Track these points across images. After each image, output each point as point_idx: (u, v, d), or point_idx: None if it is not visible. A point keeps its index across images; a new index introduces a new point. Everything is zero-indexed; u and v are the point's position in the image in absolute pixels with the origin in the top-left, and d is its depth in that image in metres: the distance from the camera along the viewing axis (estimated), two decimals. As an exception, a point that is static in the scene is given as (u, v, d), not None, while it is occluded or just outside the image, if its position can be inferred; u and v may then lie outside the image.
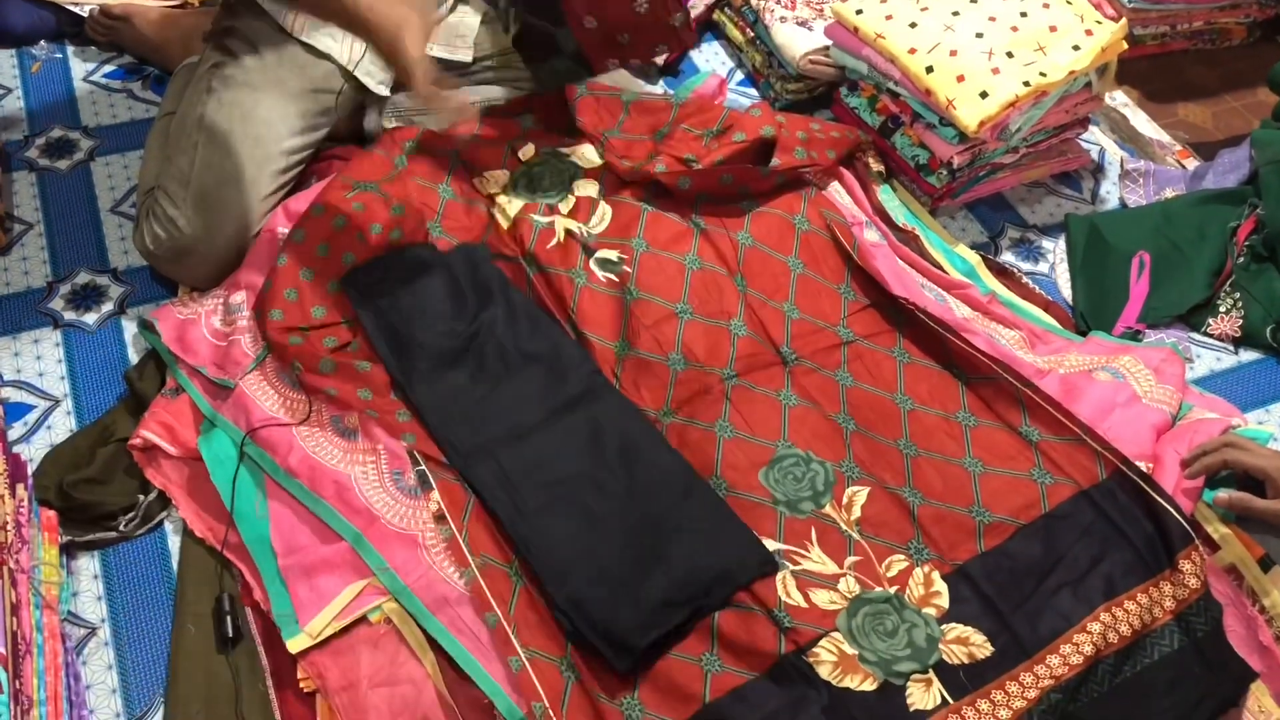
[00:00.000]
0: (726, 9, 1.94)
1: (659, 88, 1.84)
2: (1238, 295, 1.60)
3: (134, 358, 1.41)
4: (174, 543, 1.25)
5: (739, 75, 1.92)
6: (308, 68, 1.51)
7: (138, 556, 1.24)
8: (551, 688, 1.11)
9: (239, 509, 1.23)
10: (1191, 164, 1.82)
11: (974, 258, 1.63)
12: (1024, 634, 1.15)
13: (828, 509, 1.25)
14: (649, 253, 1.43)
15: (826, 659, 1.12)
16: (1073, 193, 1.78)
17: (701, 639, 1.14)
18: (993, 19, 1.62)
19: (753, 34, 1.88)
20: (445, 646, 1.14)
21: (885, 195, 1.67)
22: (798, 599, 1.16)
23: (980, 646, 1.14)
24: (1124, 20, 1.64)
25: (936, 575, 1.20)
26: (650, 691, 1.11)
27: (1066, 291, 1.63)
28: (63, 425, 1.35)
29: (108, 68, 1.79)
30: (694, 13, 1.91)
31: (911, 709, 1.10)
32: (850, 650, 1.13)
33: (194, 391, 1.32)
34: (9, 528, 1.03)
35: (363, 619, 1.17)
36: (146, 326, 1.40)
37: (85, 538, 1.24)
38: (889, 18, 1.65)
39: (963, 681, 1.12)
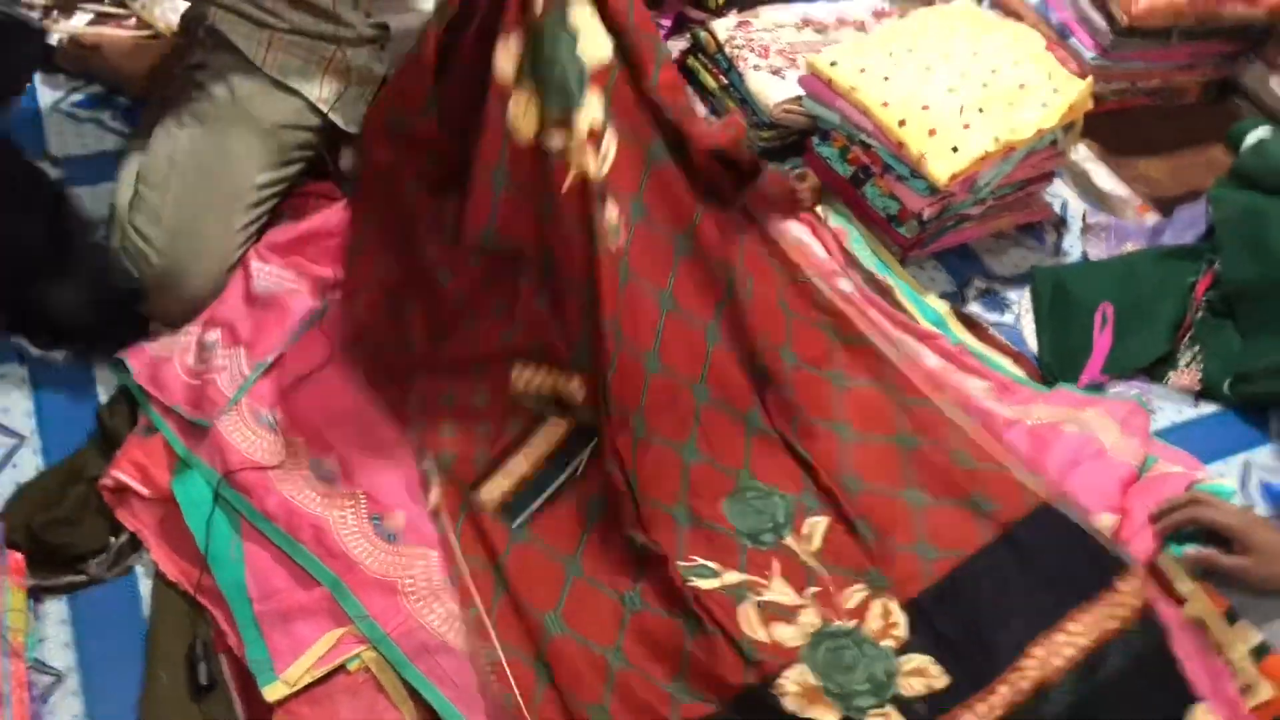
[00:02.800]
0: (700, 55, 1.96)
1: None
2: (1197, 349, 1.64)
3: (104, 395, 1.39)
4: (145, 587, 1.23)
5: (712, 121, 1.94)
6: (279, 104, 1.51)
7: (108, 601, 1.22)
8: (525, 686, 1.13)
9: (213, 552, 1.21)
10: (1151, 218, 1.87)
11: (943, 307, 1.66)
12: (977, 663, 1.17)
13: (788, 540, 1.26)
14: (645, 223, 1.31)
15: (791, 690, 1.14)
16: (1036, 244, 1.82)
17: (672, 665, 1.15)
18: (964, 74, 1.66)
19: (726, 81, 1.90)
20: (425, 695, 1.13)
21: (856, 245, 1.69)
22: (761, 634, 1.17)
23: (937, 678, 1.17)
24: (1090, 79, 1.69)
25: (895, 606, 1.22)
26: (621, 707, 1.12)
27: (1032, 342, 1.66)
28: (30, 464, 1.32)
29: (76, 96, 1.77)
30: (668, 57, 1.93)
31: None
32: (814, 682, 1.15)
33: (168, 431, 1.31)
34: (-20, 574, 1.01)
35: (341, 667, 1.15)
36: (118, 363, 1.38)
37: (53, 582, 1.21)
38: (862, 71, 1.68)
39: (921, 714, 1.14)
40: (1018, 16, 2.05)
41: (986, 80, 1.65)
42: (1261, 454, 1.56)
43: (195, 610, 1.20)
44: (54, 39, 1.77)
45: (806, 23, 1.97)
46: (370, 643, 1.16)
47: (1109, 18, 1.93)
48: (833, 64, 1.70)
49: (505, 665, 1.14)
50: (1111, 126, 1.98)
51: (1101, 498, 1.34)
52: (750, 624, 1.18)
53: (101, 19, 1.81)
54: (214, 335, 1.38)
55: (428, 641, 1.16)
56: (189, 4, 1.56)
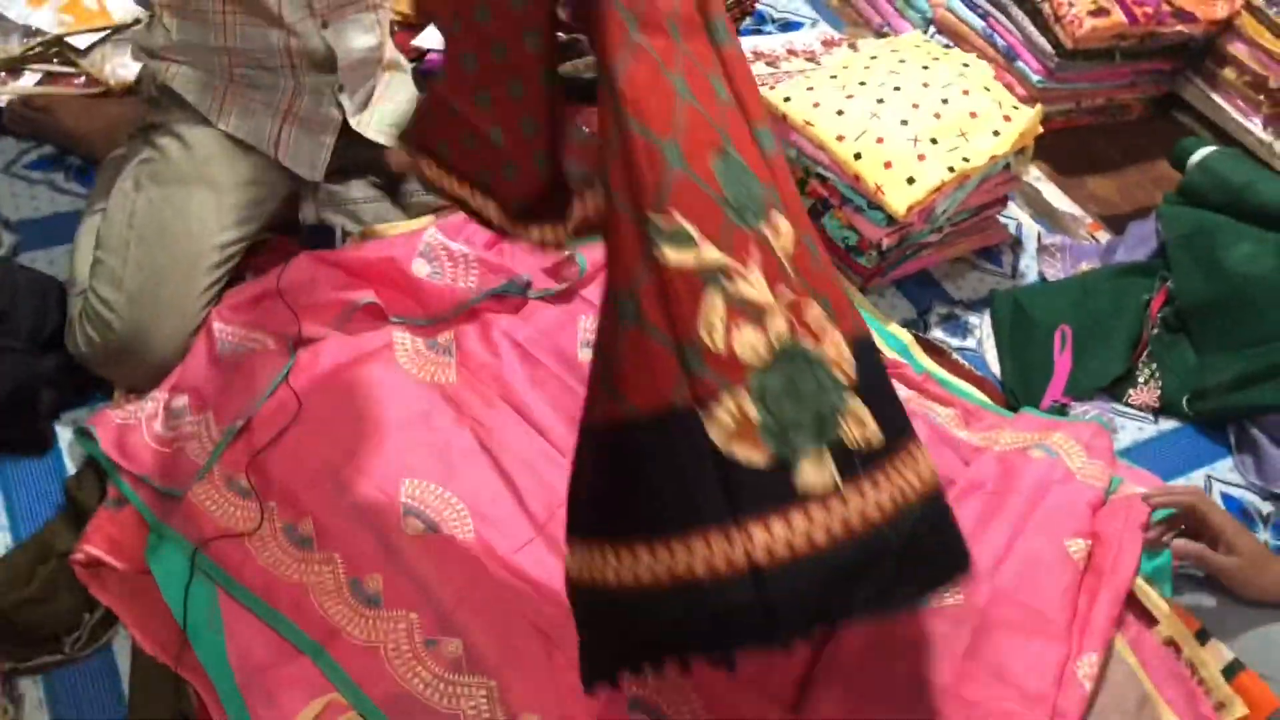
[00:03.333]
0: (654, 91, 1.98)
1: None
2: (1155, 366, 1.68)
3: (71, 466, 1.37)
4: (123, 662, 1.22)
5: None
6: (238, 160, 1.50)
7: (85, 679, 1.20)
8: None
9: (192, 624, 1.20)
10: (1103, 236, 1.91)
11: (906, 336, 1.68)
12: (899, 422, 1.03)
13: (764, 228, 0.99)
14: None
15: (723, 421, 0.92)
16: (994, 267, 1.85)
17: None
18: (916, 106, 1.68)
19: (682, 116, 1.91)
20: (413, 761, 1.12)
21: (819, 276, 1.71)
22: (719, 338, 0.93)
23: (873, 432, 0.98)
24: (1039, 106, 1.72)
25: (844, 341, 1.00)
26: None
27: (994, 366, 1.69)
28: (-3, 542, 1.30)
29: (29, 158, 1.74)
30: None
31: (799, 490, 0.92)
32: (754, 416, 0.93)
33: (138, 502, 1.29)
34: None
35: (326, 736, 1.15)
36: (84, 434, 1.36)
37: (27, 664, 1.20)
38: (816, 105, 1.70)
39: (854, 467, 0.96)
40: (963, 41, 2.09)
41: (938, 110, 1.68)
42: (1221, 467, 1.60)
43: (175, 683, 1.19)
44: (1, 101, 1.75)
45: (757, 56, 2.00)
46: (356, 710, 1.15)
47: (1053, 40, 1.97)
48: (786, 99, 1.71)
49: None
50: (1060, 146, 2.02)
51: (1072, 522, 1.36)
52: (710, 321, 0.93)
53: (50, 79, 1.79)
54: (181, 401, 1.36)
55: (413, 705, 1.15)
56: (142, 62, 1.55)
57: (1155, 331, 1.70)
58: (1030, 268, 1.86)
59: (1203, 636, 1.27)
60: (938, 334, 1.73)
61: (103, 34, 1.83)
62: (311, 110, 1.53)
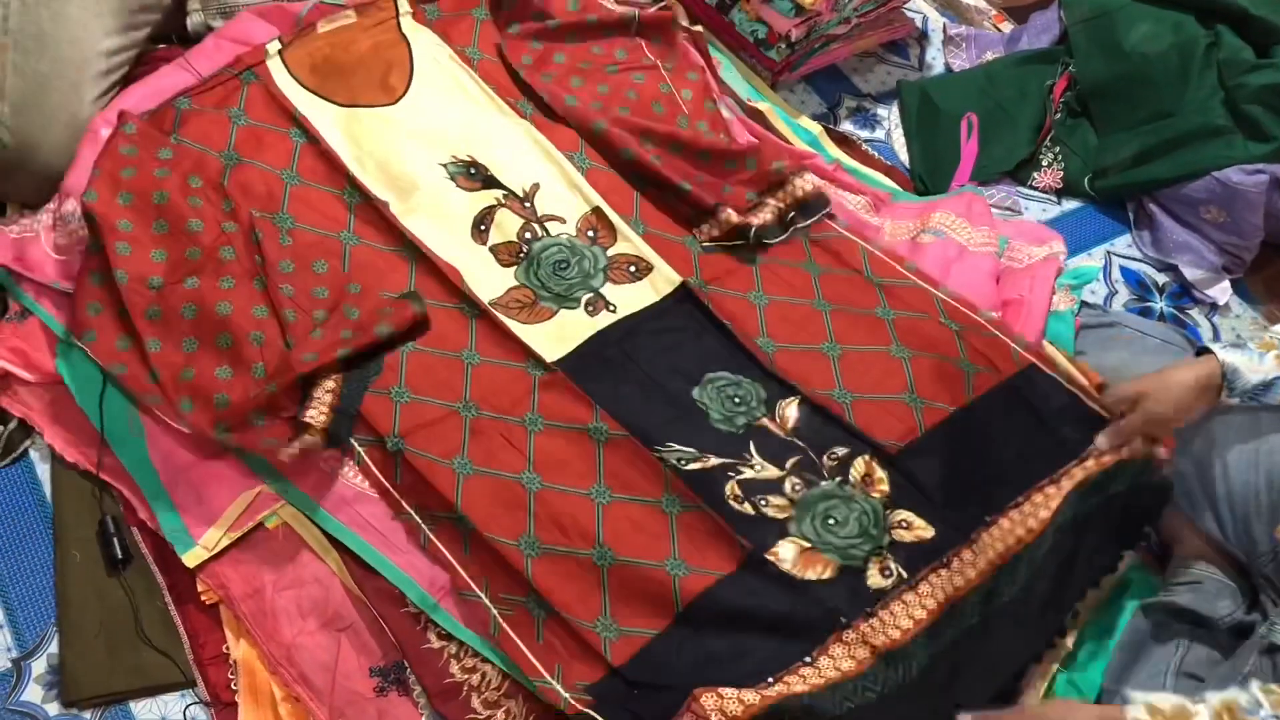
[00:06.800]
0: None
1: None
2: (1058, 149, 1.71)
3: (-34, 285, 1.32)
4: (43, 470, 1.20)
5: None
6: None
7: (6, 489, 1.19)
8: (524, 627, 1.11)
9: (111, 430, 1.19)
10: (1007, 27, 1.91)
11: (816, 128, 1.68)
12: (960, 518, 1.19)
13: (763, 421, 1.26)
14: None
15: (786, 555, 1.15)
16: (901, 60, 1.85)
17: (663, 542, 1.15)
18: (820, -110, 1.65)
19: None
20: (349, 544, 1.14)
21: (728, 74, 1.69)
22: (747, 510, 1.18)
23: (924, 529, 1.18)
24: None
25: (876, 464, 1.23)
26: (621, 607, 1.11)
27: (903, 155, 1.70)
28: (-103, 361, 1.26)
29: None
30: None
31: (872, 589, 1.14)
32: (808, 544, 1.16)
33: (43, 313, 1.26)
34: None
35: (259, 526, 1.15)
36: (-23, 252, 1.31)
37: (-55, 476, 1.18)
38: (720, -108, 1.65)
39: (914, 562, 1.16)
40: None
41: (843, -106, 1.65)
42: (1120, 243, 1.65)
43: (100, 488, 1.18)
44: None
45: None
46: (286, 500, 1.16)
47: None
48: (690, -112, 1.67)
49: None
50: (964, -62, 2.00)
51: (981, 297, 1.40)
52: (737, 499, 1.18)
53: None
54: (71, 205, 1.31)
55: (344, 493, 1.16)
56: None
57: (1058, 116, 1.73)
58: (937, 60, 1.86)
59: (1102, 390, 1.32)
60: (847, 126, 1.73)
61: None
62: None
